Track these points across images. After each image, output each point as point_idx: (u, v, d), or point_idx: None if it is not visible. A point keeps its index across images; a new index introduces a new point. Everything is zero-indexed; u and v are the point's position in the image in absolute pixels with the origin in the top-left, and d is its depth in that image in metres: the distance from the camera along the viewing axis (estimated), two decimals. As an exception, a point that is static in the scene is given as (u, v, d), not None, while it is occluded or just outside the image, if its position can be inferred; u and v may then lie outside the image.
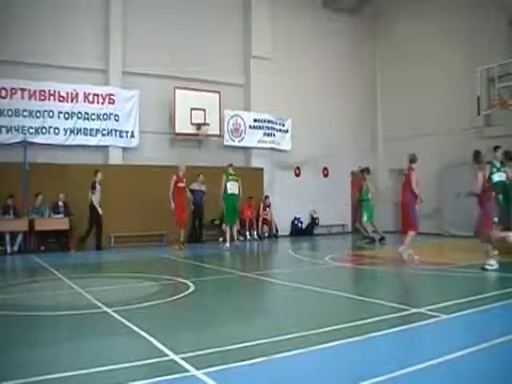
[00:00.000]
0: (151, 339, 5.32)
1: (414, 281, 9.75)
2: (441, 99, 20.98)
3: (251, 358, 4.62)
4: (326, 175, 23.19)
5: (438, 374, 4.34)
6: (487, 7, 19.30)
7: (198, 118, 19.00)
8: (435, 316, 6.23)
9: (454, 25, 20.64)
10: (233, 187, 15.63)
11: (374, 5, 24.46)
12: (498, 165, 11.23)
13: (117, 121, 17.86)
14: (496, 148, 12.25)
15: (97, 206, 16.17)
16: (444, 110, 20.64)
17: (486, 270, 10.13)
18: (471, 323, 6.16)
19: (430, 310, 6.52)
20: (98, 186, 16.23)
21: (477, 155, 12.01)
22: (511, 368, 4.48)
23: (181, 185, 15.77)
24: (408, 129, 22.18)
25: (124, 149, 18.18)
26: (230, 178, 15.70)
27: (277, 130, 21.44)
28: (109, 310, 6.80)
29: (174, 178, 15.67)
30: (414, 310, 6.64)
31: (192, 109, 18.88)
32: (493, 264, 10.24)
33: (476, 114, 18.39)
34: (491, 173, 11.85)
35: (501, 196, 11.88)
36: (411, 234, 12.00)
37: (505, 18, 19.11)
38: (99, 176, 16.35)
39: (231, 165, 16.31)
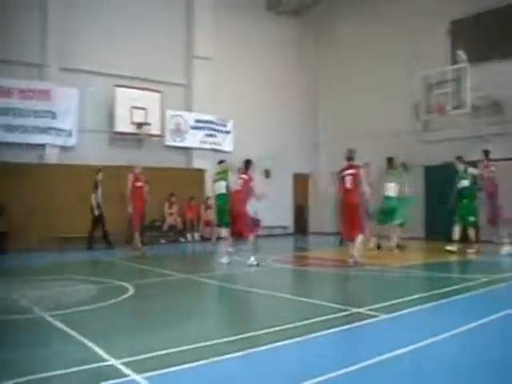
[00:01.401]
0: (90, 344, 5.19)
1: (355, 282, 9.87)
2: (382, 103, 21.36)
3: (192, 361, 4.57)
4: (267, 177, 23.23)
5: (378, 372, 4.39)
6: (429, 16, 19.80)
7: (138, 117, 18.79)
8: (375, 316, 6.34)
9: (397, 31, 21.08)
10: (217, 187, 14.15)
11: (317, 8, 24.71)
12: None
13: (54, 118, 17.39)
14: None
15: (94, 206, 16.23)
16: (385, 114, 21.03)
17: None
18: (409, 322, 6.28)
19: (369, 310, 6.63)
20: (99, 186, 16.26)
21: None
22: (448, 366, 4.56)
23: (138, 184, 14.29)
24: (349, 131, 22.48)
25: (61, 148, 17.74)
26: (216, 177, 14.41)
27: (219, 131, 21.41)
28: (45, 315, 6.59)
29: (131, 176, 14.21)
30: (354, 311, 6.72)
31: (133, 107, 18.64)
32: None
33: (415, 118, 18.76)
34: None
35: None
36: (362, 238, 11.42)
37: (444, 27, 19.63)
38: (100, 176, 16.33)
39: (220, 161, 14.66)
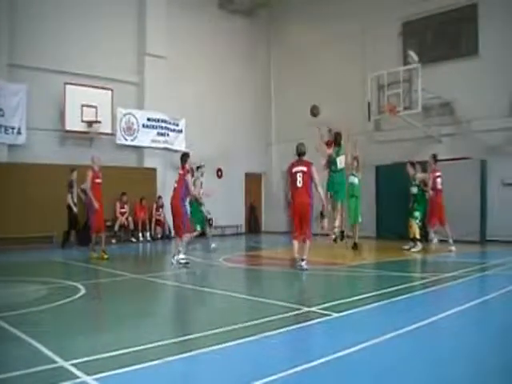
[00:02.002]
0: (39, 346, 5.07)
1: (307, 281, 9.90)
2: (334, 103, 21.49)
3: (144, 362, 4.52)
4: (220, 176, 23.21)
5: (329, 371, 4.41)
6: (381, 17, 20.09)
7: (89, 115, 18.44)
8: (326, 315, 6.37)
9: (350, 32, 21.30)
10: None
11: (269, 8, 24.79)
12: None
13: (2, 116, 16.92)
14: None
15: (72, 205, 16.21)
16: (337, 114, 21.14)
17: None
18: (360, 321, 6.34)
19: (321, 309, 6.67)
20: (75, 185, 16.15)
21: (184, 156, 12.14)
22: (397, 365, 4.62)
23: (98, 181, 13.23)
24: (302, 130, 22.56)
25: (10, 146, 17.29)
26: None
27: (170, 130, 21.21)
28: (-7, 316, 6.42)
29: (91, 173, 13.05)
30: (305, 309, 6.74)
31: (83, 105, 18.31)
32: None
33: (367, 118, 18.96)
34: None
35: None
36: (309, 243, 10.72)
37: (396, 28, 19.92)
38: (75, 175, 16.23)
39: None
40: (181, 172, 11.78)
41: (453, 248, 13.89)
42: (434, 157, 14.59)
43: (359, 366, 4.56)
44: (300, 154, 10.84)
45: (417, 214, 14.35)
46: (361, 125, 19.93)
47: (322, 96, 22.15)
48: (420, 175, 14.62)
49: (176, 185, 11.78)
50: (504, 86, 17.11)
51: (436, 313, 6.44)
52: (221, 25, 23.49)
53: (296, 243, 10.82)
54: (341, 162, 13.96)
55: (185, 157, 12.01)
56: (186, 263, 11.41)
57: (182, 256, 11.54)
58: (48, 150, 17.88)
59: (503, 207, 16.89)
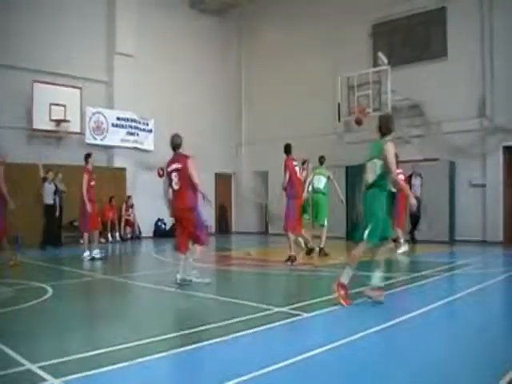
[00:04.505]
0: (5, 349, 4.97)
1: (278, 281, 9.89)
2: (304, 104, 21.63)
3: (113, 364, 4.46)
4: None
5: (299, 371, 4.41)
6: (352, 19, 20.19)
7: (57, 113, 18.24)
8: (297, 315, 6.38)
9: (321, 33, 21.44)
10: None
11: (240, 8, 24.75)
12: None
13: (-34, 114, 16.66)
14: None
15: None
16: (307, 114, 21.30)
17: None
18: (330, 321, 6.38)
19: (292, 309, 6.67)
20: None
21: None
22: (369, 363, 4.63)
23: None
24: (272, 131, 22.64)
25: (-26, 144, 17.02)
26: None
27: (140, 130, 21.07)
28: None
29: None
30: (276, 310, 6.72)
31: (51, 104, 18.08)
32: None
33: (337, 119, 19.05)
34: None
35: None
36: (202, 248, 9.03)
37: (366, 30, 20.05)
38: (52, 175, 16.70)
39: None
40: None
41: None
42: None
43: (329, 366, 4.57)
44: (174, 146, 9.38)
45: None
46: (331, 125, 20.01)
47: (292, 97, 22.31)
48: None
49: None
50: (472, 88, 17.36)
51: (406, 312, 6.49)
52: (192, 24, 23.43)
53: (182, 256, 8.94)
54: (320, 180, 13.97)
55: (86, 157, 13.09)
56: (100, 258, 13.10)
57: (95, 251, 13.05)
58: (14, 149, 17.54)
59: (471, 208, 17.13)
